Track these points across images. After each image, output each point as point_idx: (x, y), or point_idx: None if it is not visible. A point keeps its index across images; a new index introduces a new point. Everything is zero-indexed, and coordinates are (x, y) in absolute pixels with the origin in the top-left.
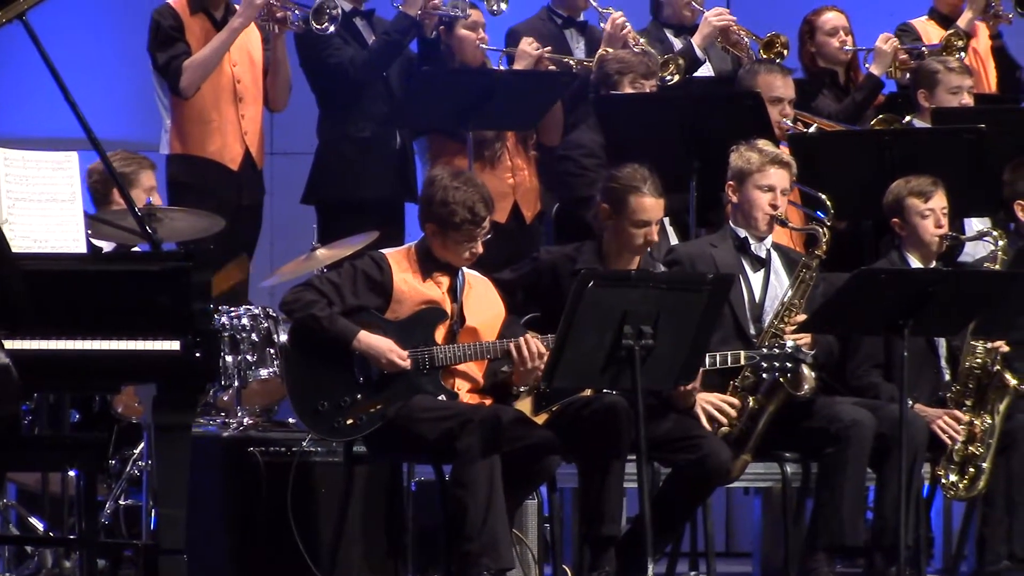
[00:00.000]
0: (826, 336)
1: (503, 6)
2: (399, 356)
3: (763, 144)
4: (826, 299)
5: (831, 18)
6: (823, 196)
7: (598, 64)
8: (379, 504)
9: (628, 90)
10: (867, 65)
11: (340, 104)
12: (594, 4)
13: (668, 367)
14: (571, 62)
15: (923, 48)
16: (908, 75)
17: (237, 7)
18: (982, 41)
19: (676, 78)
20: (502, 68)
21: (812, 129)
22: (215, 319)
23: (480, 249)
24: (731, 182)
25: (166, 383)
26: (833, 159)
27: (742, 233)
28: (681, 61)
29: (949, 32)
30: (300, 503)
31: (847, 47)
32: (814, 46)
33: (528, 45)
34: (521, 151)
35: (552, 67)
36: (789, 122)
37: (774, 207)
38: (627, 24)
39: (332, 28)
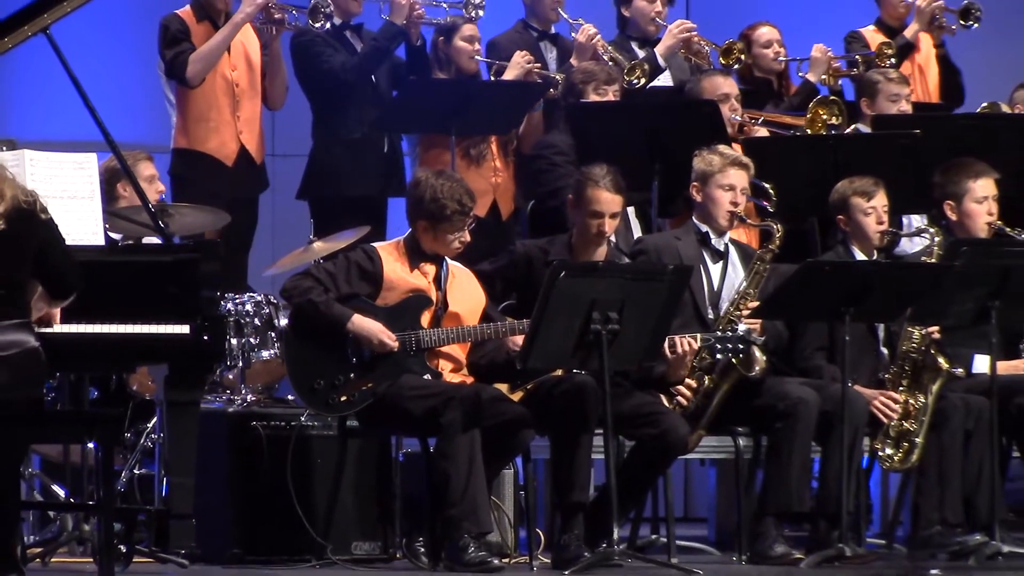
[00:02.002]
0: (776, 322)
1: (479, 13)
2: (389, 338)
3: (723, 148)
4: (777, 288)
5: (765, 32)
6: (766, 185)
7: (565, 75)
8: (370, 473)
9: (593, 97)
10: (801, 73)
11: (332, 108)
12: (565, 16)
13: (632, 349)
14: (556, 77)
15: (856, 57)
16: (841, 82)
17: None
18: (926, 49)
19: (643, 80)
20: (483, 79)
21: (760, 122)
22: (221, 305)
23: (467, 238)
24: (695, 182)
25: (177, 363)
26: (784, 161)
27: (704, 228)
28: (647, 66)
29: (881, 42)
30: (298, 472)
31: (781, 58)
32: (750, 57)
33: (521, 57)
34: (502, 155)
35: (538, 78)
36: (737, 117)
37: (734, 204)
38: (598, 34)
39: (328, 25)
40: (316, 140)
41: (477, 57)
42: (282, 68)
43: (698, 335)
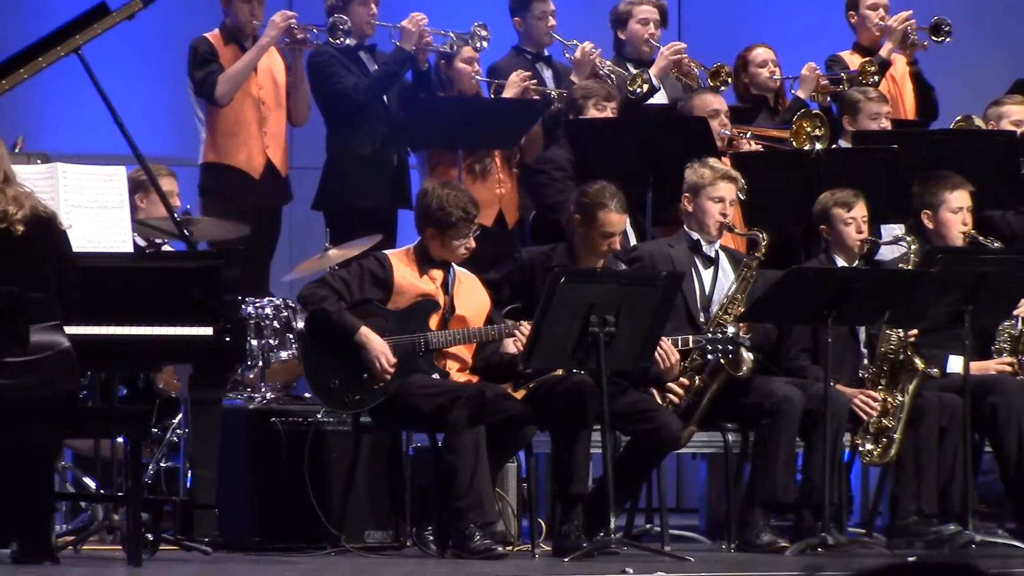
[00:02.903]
0: (763, 324)
1: (484, 44)
2: (387, 361)
3: (714, 162)
4: (763, 293)
5: (761, 53)
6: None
7: (567, 92)
8: (382, 467)
9: (593, 112)
10: (793, 91)
11: (345, 125)
12: (559, 38)
13: (628, 351)
14: (552, 92)
15: (842, 75)
16: (829, 98)
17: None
18: (900, 68)
19: (646, 88)
20: (487, 96)
21: (748, 136)
22: (242, 309)
23: (473, 244)
24: (687, 194)
25: (200, 363)
26: (770, 174)
27: (695, 236)
28: (646, 75)
29: (864, 61)
30: (315, 466)
31: (775, 77)
32: (747, 77)
33: (518, 76)
34: (506, 167)
35: (535, 95)
36: (727, 131)
37: (723, 215)
38: (595, 51)
39: (348, 41)
40: (330, 154)
41: (477, 78)
42: (305, 87)
43: (690, 337)
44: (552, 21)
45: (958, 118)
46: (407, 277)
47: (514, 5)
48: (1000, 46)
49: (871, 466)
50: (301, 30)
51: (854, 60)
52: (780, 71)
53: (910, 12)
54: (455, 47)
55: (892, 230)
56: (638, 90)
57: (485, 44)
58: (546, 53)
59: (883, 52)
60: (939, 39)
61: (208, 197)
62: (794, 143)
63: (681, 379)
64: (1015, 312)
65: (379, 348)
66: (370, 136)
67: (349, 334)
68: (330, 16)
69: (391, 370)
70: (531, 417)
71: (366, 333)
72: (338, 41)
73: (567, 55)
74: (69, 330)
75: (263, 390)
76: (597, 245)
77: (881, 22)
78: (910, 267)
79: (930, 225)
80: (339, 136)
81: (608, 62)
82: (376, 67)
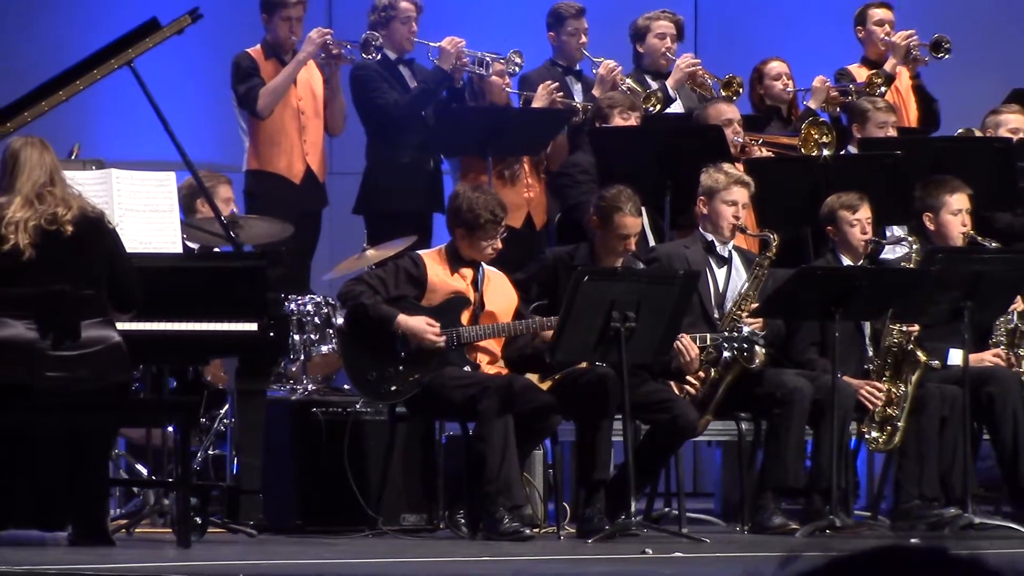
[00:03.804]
0: (774, 320)
1: (516, 69)
2: (435, 333)
3: (727, 167)
4: (774, 291)
5: (775, 66)
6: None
7: (594, 102)
8: (416, 454)
9: (618, 121)
10: (805, 102)
11: (384, 135)
12: (588, 55)
13: (647, 345)
14: (577, 105)
15: (850, 86)
16: (839, 109)
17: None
18: (904, 81)
19: (658, 107)
20: (514, 107)
21: (760, 143)
22: (285, 306)
23: (499, 245)
24: (702, 197)
25: (246, 357)
26: (781, 179)
27: (709, 237)
28: (660, 94)
29: (871, 73)
30: (353, 453)
31: (788, 89)
32: (762, 88)
33: (544, 88)
34: (534, 173)
35: (561, 106)
36: (739, 139)
37: (736, 218)
38: (617, 68)
39: (378, 58)
40: (370, 162)
41: (508, 89)
42: (341, 99)
43: (708, 335)
44: (584, 38)
45: (960, 131)
46: (439, 275)
47: (550, 21)
48: (996, 59)
49: (876, 453)
50: (336, 45)
51: (861, 73)
52: (793, 83)
53: (913, 31)
54: (488, 67)
55: (895, 231)
56: (650, 108)
57: (517, 69)
58: (577, 67)
59: (887, 67)
60: (939, 55)
61: (253, 201)
62: (803, 150)
63: (698, 372)
64: (1011, 308)
65: (419, 325)
66: (407, 145)
67: (387, 323)
68: (373, 31)
69: (440, 338)
70: (557, 407)
71: (403, 318)
72: (370, 56)
73: (594, 70)
74: (123, 326)
75: (305, 382)
76: (614, 246)
77: (887, 37)
78: (912, 266)
79: (931, 226)
80: (378, 145)
81: (628, 79)
82: (414, 81)
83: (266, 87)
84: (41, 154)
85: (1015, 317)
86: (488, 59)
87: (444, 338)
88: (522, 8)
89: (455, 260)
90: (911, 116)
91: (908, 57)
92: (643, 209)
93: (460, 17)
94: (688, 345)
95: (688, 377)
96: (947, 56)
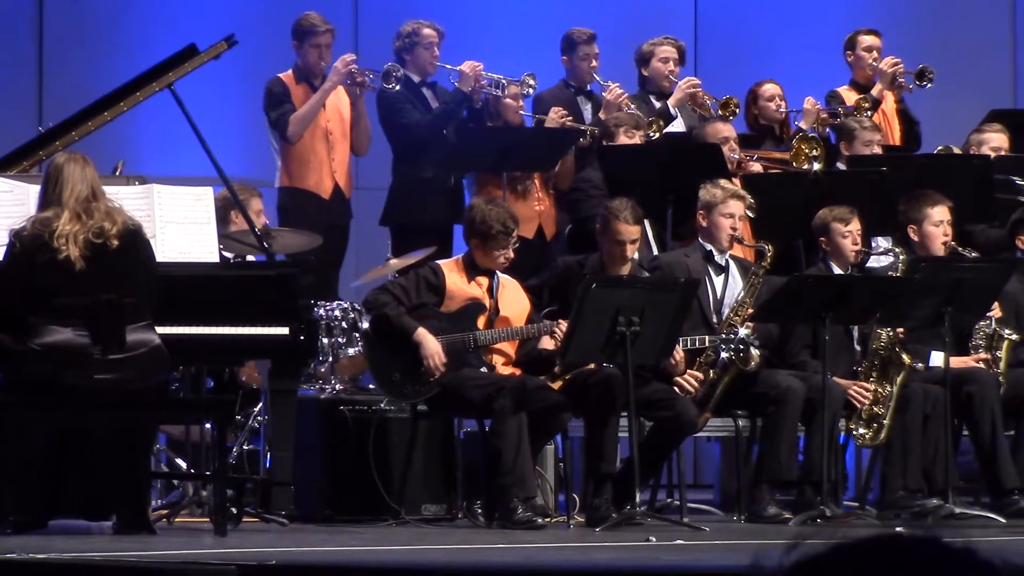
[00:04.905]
0: (769, 324)
1: (530, 91)
2: (439, 361)
3: (725, 183)
4: (769, 297)
5: (769, 88)
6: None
7: (602, 122)
8: (437, 449)
9: (623, 139)
10: (796, 123)
11: (408, 152)
12: (597, 78)
13: (650, 347)
14: (584, 128)
15: (839, 109)
16: (828, 129)
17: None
18: (889, 105)
19: (658, 133)
20: (527, 127)
21: (755, 159)
22: (314, 311)
23: (511, 255)
24: (701, 210)
25: (278, 359)
26: (775, 193)
27: (708, 247)
28: (661, 122)
29: (859, 98)
30: (378, 448)
31: (781, 109)
32: (757, 109)
33: (556, 113)
34: (544, 188)
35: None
36: (736, 156)
37: (733, 229)
38: (623, 92)
39: (398, 87)
40: (395, 178)
41: (521, 112)
42: (366, 121)
43: (706, 337)
44: (595, 63)
45: (939, 148)
46: (457, 283)
47: (563, 46)
48: (974, 83)
49: (864, 448)
50: (360, 74)
51: (850, 95)
52: (785, 104)
53: (899, 60)
54: (505, 89)
55: (882, 242)
56: (651, 134)
57: (531, 91)
58: (588, 88)
59: (875, 91)
60: (923, 84)
61: (285, 215)
62: (794, 163)
63: (697, 373)
64: (989, 313)
65: (433, 349)
66: (430, 162)
67: (407, 334)
68: (398, 54)
69: (442, 368)
70: (567, 405)
71: (422, 334)
72: (390, 86)
73: (603, 93)
74: (164, 330)
75: (333, 382)
76: (614, 252)
77: (874, 63)
78: (898, 274)
79: (915, 237)
80: (403, 162)
81: (633, 104)
82: (436, 102)
83: (295, 115)
84: (83, 169)
85: (992, 322)
86: (504, 81)
87: (444, 371)
88: (537, 33)
89: (472, 269)
90: (895, 136)
91: (894, 83)
92: (647, 221)
93: (480, 42)
94: (675, 349)
95: (686, 377)
96: (930, 85)
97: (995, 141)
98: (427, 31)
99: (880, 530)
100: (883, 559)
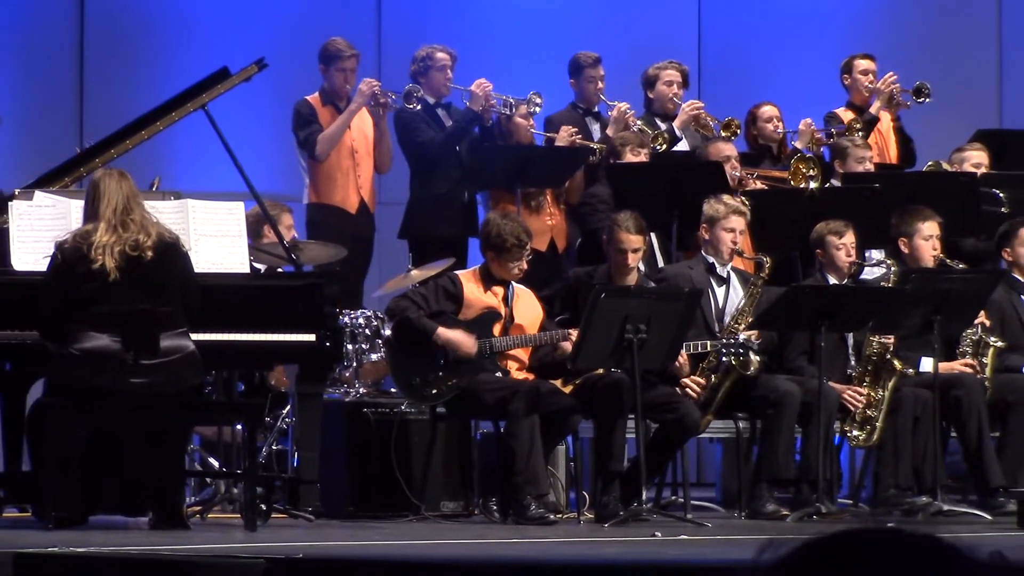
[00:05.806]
0: (768, 331)
1: (537, 109)
2: (468, 344)
3: (727, 198)
4: (768, 306)
5: (767, 110)
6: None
7: (608, 141)
8: (454, 449)
9: (629, 157)
10: (793, 143)
11: (425, 169)
12: (604, 99)
13: (656, 353)
14: (593, 146)
15: (832, 129)
16: (823, 148)
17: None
18: (886, 123)
19: (664, 147)
20: (538, 145)
21: (755, 177)
22: (339, 319)
23: (525, 266)
24: (704, 224)
25: (305, 364)
26: (775, 208)
27: (711, 259)
28: (667, 135)
29: (851, 119)
30: (399, 448)
31: (778, 130)
32: (755, 129)
33: (566, 131)
34: (556, 203)
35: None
36: (737, 173)
37: (734, 242)
38: (630, 110)
39: (419, 107)
40: (412, 193)
41: (532, 131)
42: (388, 141)
43: (708, 342)
44: (601, 84)
45: (929, 163)
46: (474, 293)
47: (571, 69)
48: (961, 102)
49: (857, 448)
50: (383, 95)
51: (847, 116)
52: (783, 125)
53: (895, 76)
54: (513, 108)
55: (875, 254)
56: (657, 147)
57: (537, 109)
58: (595, 110)
59: (872, 110)
60: (920, 100)
61: (314, 229)
62: (792, 182)
63: (699, 378)
64: (976, 321)
65: (456, 335)
66: (445, 178)
67: (428, 335)
68: (414, 78)
69: (474, 348)
70: (577, 408)
71: (443, 331)
72: (411, 106)
73: (610, 113)
74: (197, 336)
75: (357, 386)
76: (618, 261)
77: (870, 84)
78: (890, 285)
79: (906, 250)
80: (420, 179)
81: (639, 120)
82: (450, 122)
83: (323, 135)
84: (119, 183)
85: (979, 329)
86: (512, 101)
87: (477, 347)
88: (547, 57)
89: (488, 279)
90: (892, 154)
91: (892, 101)
92: (653, 235)
93: (492, 65)
94: (679, 354)
95: (687, 381)
96: (928, 100)
97: (975, 159)
98: (440, 55)
99: (844, 526)
100: (847, 554)
